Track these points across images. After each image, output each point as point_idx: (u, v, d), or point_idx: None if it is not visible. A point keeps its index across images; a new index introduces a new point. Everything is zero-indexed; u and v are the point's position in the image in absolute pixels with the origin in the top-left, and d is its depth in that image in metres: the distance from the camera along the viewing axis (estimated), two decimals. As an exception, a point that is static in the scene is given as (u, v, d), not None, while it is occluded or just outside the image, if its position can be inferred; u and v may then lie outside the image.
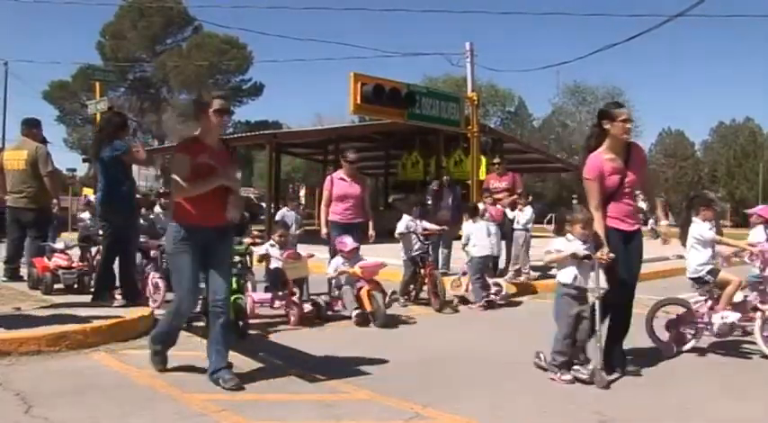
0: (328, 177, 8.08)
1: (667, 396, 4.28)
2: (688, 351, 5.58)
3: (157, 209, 10.00)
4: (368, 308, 6.70)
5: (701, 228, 5.72)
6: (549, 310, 8.14)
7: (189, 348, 5.40)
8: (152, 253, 7.63)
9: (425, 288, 8.06)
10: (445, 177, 11.16)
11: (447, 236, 9.68)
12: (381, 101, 9.39)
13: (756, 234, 6.32)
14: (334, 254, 7.58)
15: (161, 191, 13.27)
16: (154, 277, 7.32)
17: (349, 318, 6.82)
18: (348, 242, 7.27)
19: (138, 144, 7.13)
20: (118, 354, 5.09)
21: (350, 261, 7.13)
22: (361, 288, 6.85)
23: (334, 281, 7.32)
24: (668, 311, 5.92)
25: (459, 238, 8.82)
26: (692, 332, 5.62)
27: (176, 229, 4.31)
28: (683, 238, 5.85)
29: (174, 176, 4.23)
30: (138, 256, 7.62)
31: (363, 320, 6.69)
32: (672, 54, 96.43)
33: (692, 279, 5.73)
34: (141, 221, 8.02)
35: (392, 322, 6.78)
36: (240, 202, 4.42)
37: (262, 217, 20.26)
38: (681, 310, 5.74)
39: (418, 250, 8.07)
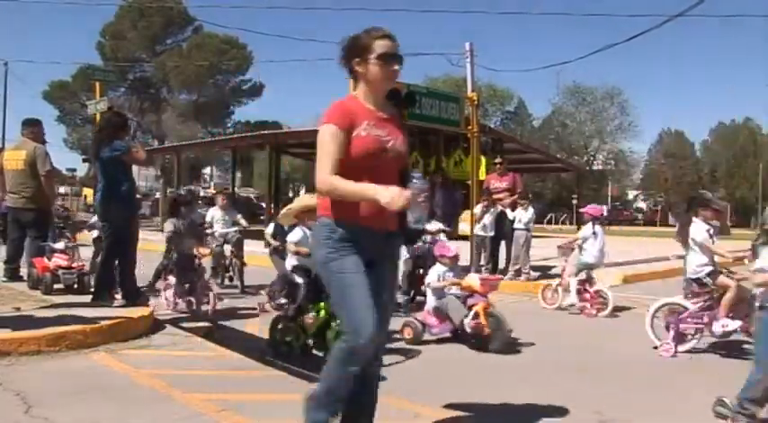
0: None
1: (667, 396, 4.28)
2: (688, 351, 5.58)
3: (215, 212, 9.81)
4: (485, 329, 5.68)
5: (697, 229, 5.73)
6: (548, 310, 8.19)
7: (188, 348, 5.40)
8: (201, 261, 7.19)
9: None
10: (439, 178, 11.12)
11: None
12: (381, 101, 9.39)
13: (585, 229, 8.29)
14: None
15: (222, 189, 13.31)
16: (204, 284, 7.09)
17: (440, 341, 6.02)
18: (452, 247, 6.53)
19: (137, 144, 7.09)
20: (118, 354, 5.09)
21: (453, 270, 6.28)
22: (474, 305, 5.84)
23: (435, 293, 6.22)
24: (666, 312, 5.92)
25: (456, 237, 8.86)
26: (692, 332, 5.63)
27: (330, 229, 2.87)
28: (682, 238, 5.87)
29: (320, 162, 2.79)
30: (185, 261, 7.20)
31: (477, 342, 5.72)
32: (672, 54, 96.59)
33: (692, 280, 5.73)
34: (181, 222, 7.49)
35: (510, 348, 5.80)
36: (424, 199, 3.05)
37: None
38: (681, 310, 5.75)
39: (420, 250, 8.14)
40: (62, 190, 41.60)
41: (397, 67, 2.96)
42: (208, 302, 7.05)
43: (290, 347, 5.31)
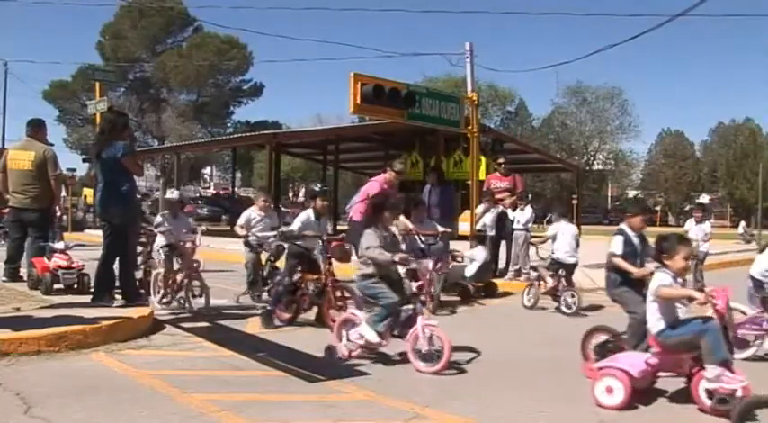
0: (376, 184, 7.88)
1: (669, 397, 4.26)
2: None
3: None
4: None
5: None
6: (547, 310, 8.19)
7: (188, 348, 5.41)
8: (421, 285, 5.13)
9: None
10: (435, 177, 10.99)
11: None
12: (381, 101, 9.37)
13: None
14: None
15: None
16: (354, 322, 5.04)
17: None
18: None
19: (138, 156, 6.82)
20: (117, 354, 5.09)
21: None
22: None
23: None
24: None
25: (455, 237, 8.84)
26: (752, 338, 5.45)
27: None
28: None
29: None
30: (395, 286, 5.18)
31: None
32: (672, 54, 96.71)
33: (754, 280, 5.69)
34: (382, 234, 5.27)
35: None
36: None
37: None
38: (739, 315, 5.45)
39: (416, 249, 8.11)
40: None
41: None
42: (439, 350, 4.82)
43: None
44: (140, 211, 9.19)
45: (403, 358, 5.14)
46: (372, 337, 4.97)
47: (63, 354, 4.97)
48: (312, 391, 4.30)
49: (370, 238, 5.19)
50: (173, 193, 8.15)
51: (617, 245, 5.09)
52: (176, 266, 7.19)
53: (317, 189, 7.19)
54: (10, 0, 38.39)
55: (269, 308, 6.62)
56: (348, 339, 5.11)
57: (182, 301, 7.11)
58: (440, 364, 4.73)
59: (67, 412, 3.68)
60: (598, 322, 6.77)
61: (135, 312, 5.99)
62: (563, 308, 7.89)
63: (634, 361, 4.25)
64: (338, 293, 6.42)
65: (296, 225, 6.75)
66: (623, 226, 5.30)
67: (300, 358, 5.17)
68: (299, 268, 6.69)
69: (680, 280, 4.26)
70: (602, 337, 4.91)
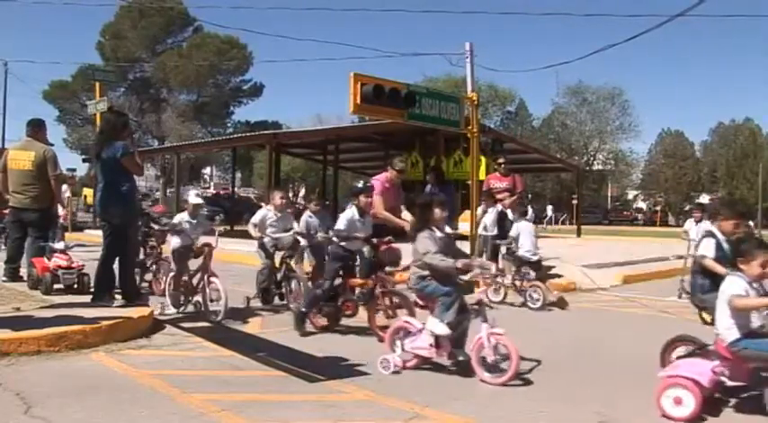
0: (378, 183, 7.78)
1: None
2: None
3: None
4: None
5: None
6: (544, 310, 8.19)
7: (188, 348, 5.41)
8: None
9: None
10: (433, 176, 10.94)
11: None
12: (381, 101, 9.37)
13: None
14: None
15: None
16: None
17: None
18: None
19: (138, 156, 6.70)
20: (117, 354, 5.09)
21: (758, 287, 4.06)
22: None
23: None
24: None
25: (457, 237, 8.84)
26: None
27: None
28: None
29: None
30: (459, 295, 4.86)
31: None
32: (672, 54, 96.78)
33: None
34: (437, 235, 5.00)
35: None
36: None
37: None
38: None
39: None
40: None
41: None
42: (505, 359, 4.57)
43: None
44: (142, 211, 9.15)
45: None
46: (442, 329, 4.68)
47: (63, 354, 4.97)
48: (312, 391, 4.30)
49: (426, 242, 4.86)
50: (197, 197, 7.67)
51: (708, 247, 4.70)
52: (192, 269, 6.92)
53: (359, 185, 6.96)
54: (10, 0, 38.40)
55: (303, 310, 6.19)
56: (403, 349, 4.86)
57: (198, 304, 6.83)
58: (508, 375, 4.45)
59: (67, 412, 3.69)
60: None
61: (135, 312, 5.99)
62: (528, 303, 8.20)
63: (701, 369, 3.92)
64: (388, 300, 5.95)
65: (341, 224, 6.34)
66: (713, 229, 4.86)
67: (300, 358, 5.17)
68: (342, 273, 6.25)
69: (755, 285, 3.97)
70: (686, 348, 4.52)
